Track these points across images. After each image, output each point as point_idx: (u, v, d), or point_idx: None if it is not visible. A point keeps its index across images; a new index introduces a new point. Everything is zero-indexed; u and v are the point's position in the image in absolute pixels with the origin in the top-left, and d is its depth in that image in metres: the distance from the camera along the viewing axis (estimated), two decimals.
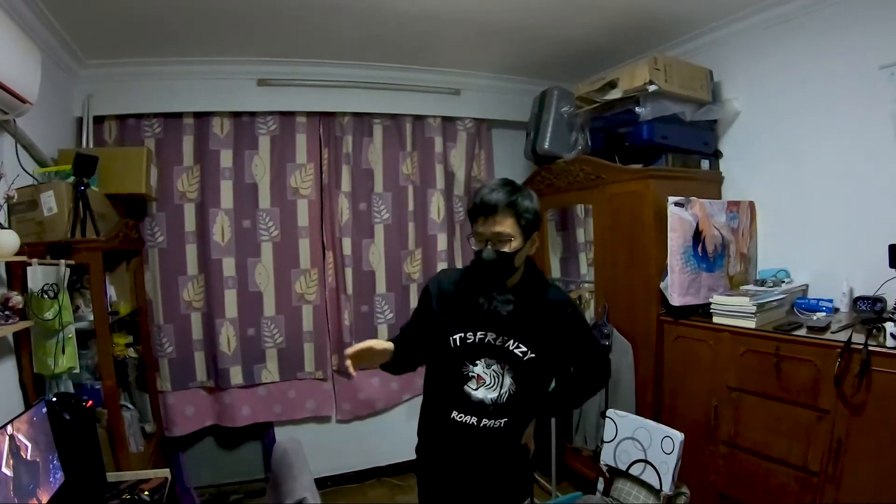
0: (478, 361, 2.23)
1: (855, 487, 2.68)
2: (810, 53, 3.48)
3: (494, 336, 2.22)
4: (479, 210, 2.10)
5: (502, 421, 2.25)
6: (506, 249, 2.09)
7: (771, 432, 3.07)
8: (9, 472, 2.11)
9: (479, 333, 2.22)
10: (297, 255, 4.65)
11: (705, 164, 4.06)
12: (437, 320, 2.29)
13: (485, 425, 2.24)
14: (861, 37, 3.21)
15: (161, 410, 4.30)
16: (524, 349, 2.22)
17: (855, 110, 3.26)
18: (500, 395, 2.23)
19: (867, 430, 2.62)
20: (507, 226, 2.08)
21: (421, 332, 2.35)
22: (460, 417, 2.24)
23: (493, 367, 2.23)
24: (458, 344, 2.23)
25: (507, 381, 2.23)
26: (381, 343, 2.15)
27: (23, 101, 2.64)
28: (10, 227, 2.72)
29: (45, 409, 2.52)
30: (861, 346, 2.60)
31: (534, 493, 2.57)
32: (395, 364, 2.26)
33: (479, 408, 2.23)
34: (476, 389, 2.23)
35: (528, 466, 2.53)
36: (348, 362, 2.05)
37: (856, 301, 3.09)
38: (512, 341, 2.21)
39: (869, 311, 2.95)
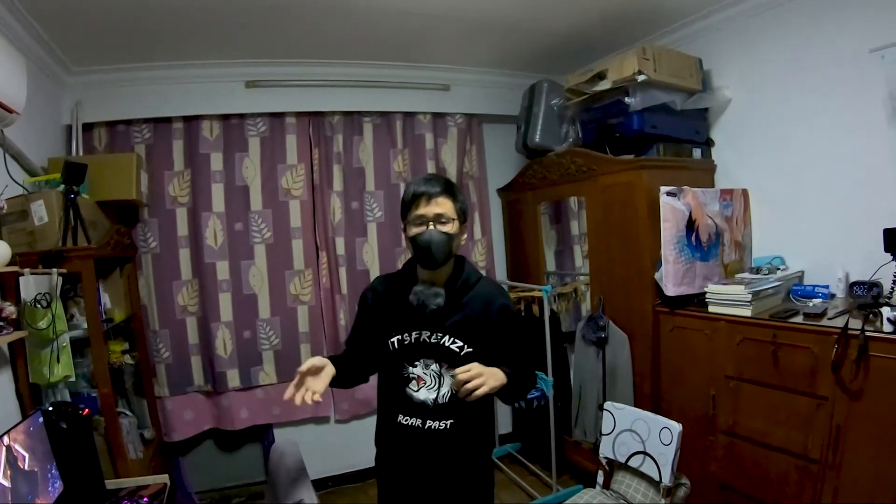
0: (416, 362, 2.23)
1: (855, 473, 2.68)
2: (800, 39, 3.48)
3: (429, 334, 2.21)
4: (423, 192, 2.14)
5: (447, 423, 2.22)
6: (448, 230, 2.13)
7: (770, 421, 3.08)
8: (6, 483, 2.09)
9: (414, 333, 2.22)
10: (290, 256, 4.63)
11: (697, 152, 4.06)
12: (376, 325, 2.30)
13: (429, 427, 2.22)
14: (850, 20, 3.21)
15: (159, 416, 4.29)
16: (460, 344, 2.20)
17: (846, 94, 3.26)
18: (440, 395, 2.22)
19: (866, 416, 2.62)
20: (447, 208, 2.14)
21: (364, 341, 2.35)
22: (405, 420, 2.24)
23: (431, 367, 2.23)
24: (396, 346, 2.24)
25: (447, 379, 2.22)
26: (318, 360, 2.05)
27: (9, 110, 2.63)
28: (0, 238, 2.70)
29: (41, 419, 2.50)
30: (858, 332, 2.60)
31: (494, 496, 2.50)
32: (341, 378, 2.19)
33: (422, 409, 2.22)
34: (417, 391, 2.23)
35: (487, 469, 2.46)
36: (304, 395, 1.96)
37: (852, 286, 3.10)
38: (447, 337, 2.20)
39: (865, 297, 2.96)
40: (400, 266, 2.46)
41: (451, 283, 2.24)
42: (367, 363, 2.36)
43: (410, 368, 2.23)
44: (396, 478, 2.37)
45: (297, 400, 1.95)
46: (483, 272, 5.10)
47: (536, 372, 3.83)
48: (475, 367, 1.98)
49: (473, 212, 5.25)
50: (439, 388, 2.22)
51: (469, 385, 1.92)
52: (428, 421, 2.22)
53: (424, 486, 2.32)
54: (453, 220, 2.15)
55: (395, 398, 2.25)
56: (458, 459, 2.32)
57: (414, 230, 2.15)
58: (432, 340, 2.21)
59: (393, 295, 2.28)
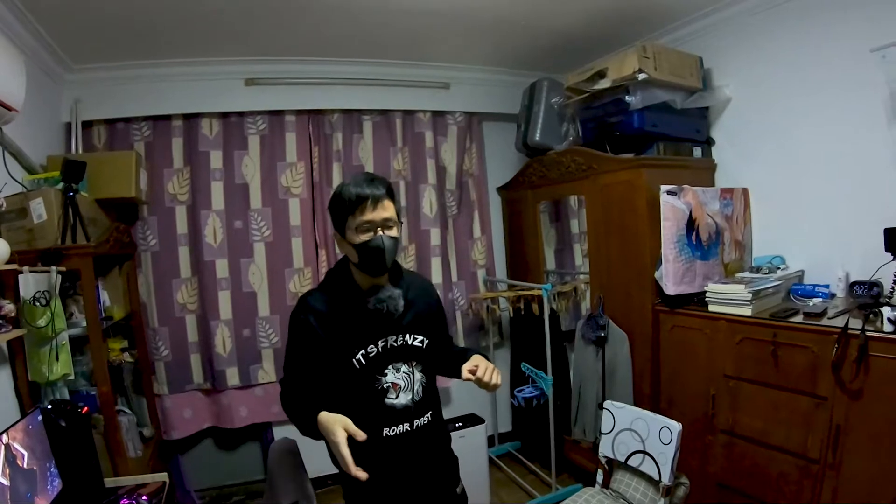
0: (387, 371, 2.18)
1: (855, 473, 2.68)
2: (800, 38, 3.48)
3: (394, 338, 2.18)
4: (367, 198, 2.03)
5: (428, 415, 2.27)
6: (394, 234, 2.09)
7: (769, 420, 3.07)
8: (5, 482, 2.09)
9: (380, 342, 2.16)
10: (290, 254, 4.63)
11: (697, 151, 4.05)
12: (330, 351, 2.12)
13: (417, 426, 2.23)
14: (851, 20, 3.20)
15: (159, 414, 4.29)
16: (421, 338, 2.24)
17: (847, 94, 3.26)
18: (416, 392, 2.23)
19: (866, 416, 2.62)
20: (392, 211, 2.08)
21: (320, 369, 2.15)
22: (392, 431, 2.17)
23: (402, 370, 2.21)
24: (364, 362, 2.13)
25: (418, 376, 2.24)
26: (342, 433, 1.89)
27: (8, 108, 2.63)
28: None
29: (40, 417, 2.50)
30: (858, 332, 2.59)
31: (460, 478, 2.52)
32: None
33: (406, 413, 2.20)
34: (397, 398, 2.19)
35: (451, 450, 2.50)
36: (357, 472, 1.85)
37: (852, 286, 3.10)
38: (409, 335, 2.21)
39: (865, 296, 2.96)
40: (400, 262, 2.45)
41: (395, 283, 2.23)
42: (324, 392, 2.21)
43: (382, 379, 2.17)
44: (385, 489, 2.23)
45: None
46: (483, 271, 5.12)
47: (536, 371, 3.90)
48: (478, 362, 2.16)
49: (473, 210, 5.26)
50: (413, 385, 2.23)
51: (495, 378, 2.11)
52: (415, 421, 2.22)
53: (414, 485, 2.28)
54: (398, 223, 2.12)
55: (373, 413, 2.13)
56: (443, 443, 2.43)
57: (361, 237, 2.05)
58: (398, 343, 2.19)
59: (341, 311, 2.16)
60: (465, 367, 2.15)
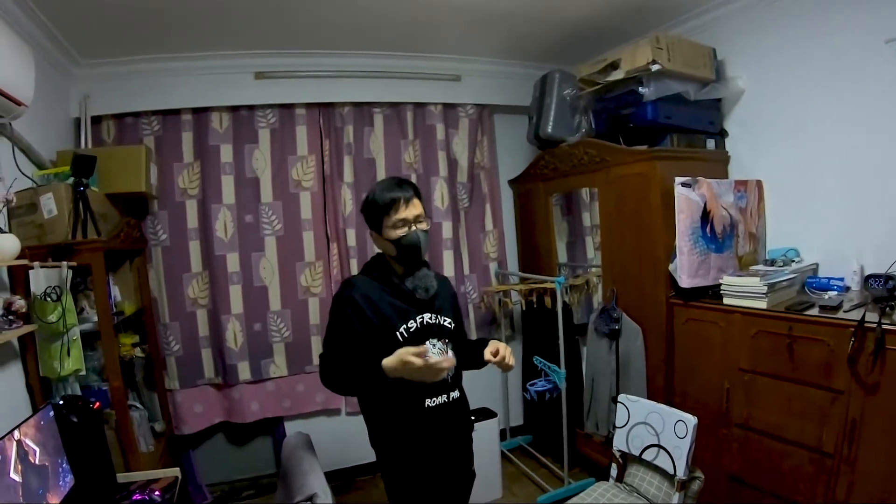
0: (426, 344, 2.37)
1: (871, 467, 2.65)
2: (814, 29, 3.43)
3: (430, 316, 2.46)
4: (398, 200, 2.34)
5: (457, 389, 2.56)
6: (425, 227, 2.41)
7: (784, 414, 3.04)
8: (17, 478, 2.09)
9: (419, 318, 2.43)
10: (301, 247, 4.62)
11: (711, 143, 4.02)
12: (375, 326, 2.35)
13: (453, 399, 2.51)
14: (865, 11, 3.15)
15: (170, 409, 4.30)
16: (449, 320, 2.53)
17: (861, 85, 3.21)
18: (449, 372, 2.41)
19: (882, 410, 2.59)
20: (420, 208, 2.40)
21: (358, 344, 2.36)
22: (433, 402, 2.43)
23: (437, 346, 2.45)
24: (406, 336, 2.37)
25: (451, 353, 2.47)
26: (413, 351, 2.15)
27: (18, 103, 2.62)
28: (10, 232, 2.70)
29: (52, 413, 2.50)
30: (875, 325, 2.56)
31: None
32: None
33: (444, 385, 2.46)
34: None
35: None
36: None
37: (867, 279, 3.06)
38: (442, 317, 2.50)
39: (881, 289, 2.92)
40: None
41: (428, 269, 2.54)
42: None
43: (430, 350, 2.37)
44: (430, 460, 2.48)
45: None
46: (495, 264, 5.12)
47: (549, 365, 3.92)
48: (500, 345, 2.44)
49: (485, 203, 5.24)
50: None
51: (510, 359, 2.41)
52: (451, 394, 2.50)
53: (450, 457, 2.56)
54: (427, 218, 2.43)
55: (416, 384, 2.27)
56: (469, 419, 2.72)
57: (397, 233, 2.36)
58: (434, 321, 2.47)
59: (382, 292, 2.42)
60: (488, 351, 2.42)
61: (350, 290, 2.41)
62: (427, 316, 2.44)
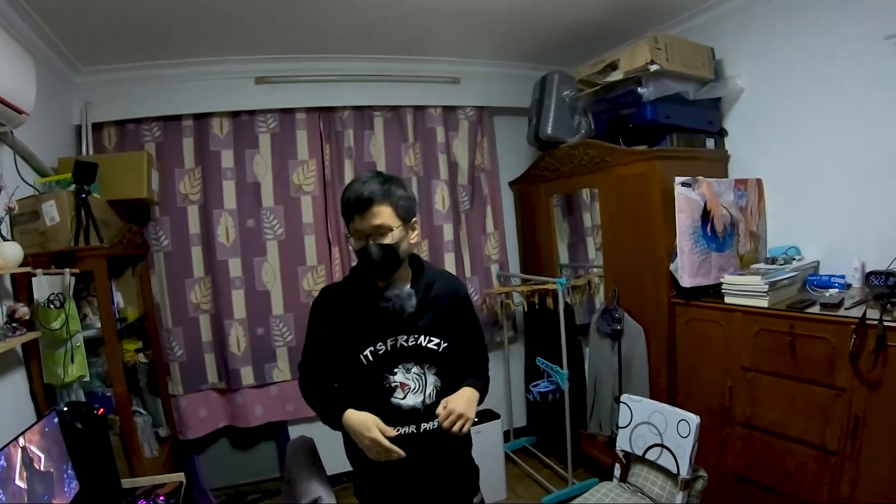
0: (396, 370, 2.17)
1: (874, 464, 2.65)
2: (812, 26, 3.44)
3: (405, 337, 2.17)
4: (355, 206, 2.05)
5: (435, 421, 2.16)
6: (388, 241, 2.05)
7: (787, 412, 3.05)
8: (23, 485, 2.10)
9: (389, 341, 2.15)
10: (303, 252, 4.62)
11: (710, 142, 4.02)
12: (340, 340, 2.20)
13: (424, 430, 2.18)
14: (864, 7, 3.16)
15: (174, 414, 4.30)
16: (437, 340, 2.20)
17: (860, 82, 3.22)
18: (427, 396, 2.19)
19: (885, 407, 2.59)
20: (385, 216, 2.04)
21: (329, 356, 2.26)
22: (398, 431, 2.11)
23: (413, 371, 2.19)
24: (371, 359, 2.15)
25: (431, 378, 2.21)
26: (377, 431, 2.02)
27: (19, 111, 2.62)
28: (13, 239, 2.71)
29: (56, 419, 2.51)
30: (876, 322, 2.57)
31: (479, 487, 2.51)
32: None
33: (414, 415, 2.17)
34: (404, 398, 2.17)
35: (471, 458, 2.48)
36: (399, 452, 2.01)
37: (868, 276, 3.07)
38: (423, 337, 2.19)
39: (882, 286, 2.93)
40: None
41: (415, 282, 2.22)
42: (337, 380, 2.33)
43: (391, 378, 2.16)
44: (392, 491, 2.26)
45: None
46: (497, 266, 5.10)
47: (552, 365, 3.87)
48: (450, 405, 2.08)
49: (485, 205, 5.25)
50: (425, 388, 2.20)
51: (455, 428, 2.05)
52: (422, 424, 2.18)
53: (421, 488, 2.25)
54: (392, 228, 2.05)
55: (377, 411, 2.09)
56: (452, 451, 2.33)
57: (354, 243, 2.12)
58: (410, 343, 2.17)
59: (354, 307, 2.20)
60: (440, 408, 2.11)
61: (321, 299, 2.29)
62: (402, 338, 2.16)
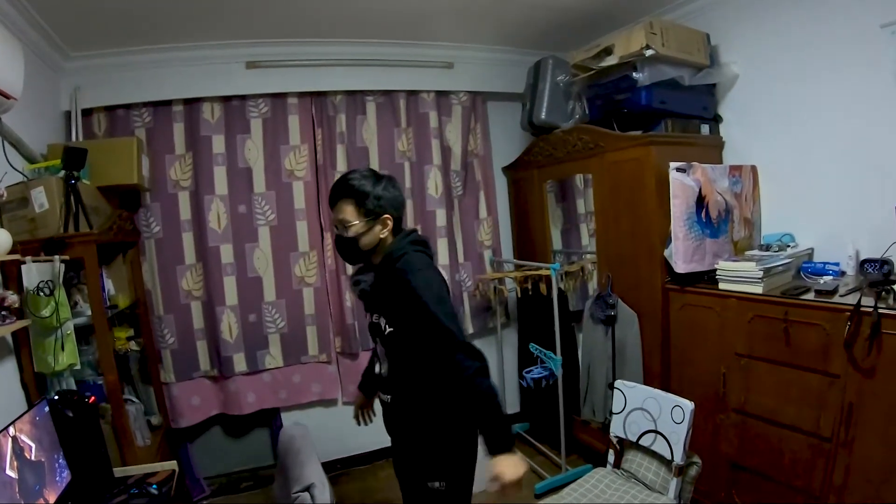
0: (375, 340, 2.49)
1: (868, 451, 2.66)
2: (808, 14, 3.42)
3: (372, 315, 2.46)
4: (329, 200, 2.37)
5: (389, 396, 2.47)
6: (349, 235, 2.31)
7: (781, 398, 3.05)
8: (13, 475, 2.08)
9: (370, 315, 2.48)
10: (295, 238, 4.60)
11: (705, 128, 4.01)
12: None
13: (386, 400, 2.49)
14: None
15: (166, 402, 4.28)
16: (384, 323, 2.36)
17: (856, 70, 3.21)
18: (383, 370, 2.49)
19: (879, 394, 2.60)
20: (347, 213, 2.30)
21: None
22: (380, 396, 2.57)
23: (378, 345, 2.48)
24: (367, 328, 2.53)
25: (385, 356, 2.46)
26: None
27: (7, 96, 2.59)
28: (1, 226, 2.68)
29: (47, 408, 2.49)
30: (871, 309, 2.56)
31: (447, 474, 2.45)
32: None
33: (381, 382, 2.53)
34: (379, 367, 2.53)
35: (441, 442, 2.41)
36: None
37: (863, 264, 3.07)
38: (380, 317, 2.39)
39: (876, 274, 2.94)
40: None
41: (380, 265, 2.38)
42: None
43: (376, 347, 2.53)
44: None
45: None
46: (490, 251, 5.09)
47: (545, 352, 3.87)
48: (500, 468, 2.17)
49: (479, 191, 5.23)
50: (384, 363, 2.48)
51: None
52: (386, 395, 2.49)
53: (394, 452, 2.67)
54: (354, 223, 2.29)
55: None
56: (412, 430, 2.47)
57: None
58: (374, 321, 2.44)
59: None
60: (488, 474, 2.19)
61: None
62: (374, 315, 2.44)
